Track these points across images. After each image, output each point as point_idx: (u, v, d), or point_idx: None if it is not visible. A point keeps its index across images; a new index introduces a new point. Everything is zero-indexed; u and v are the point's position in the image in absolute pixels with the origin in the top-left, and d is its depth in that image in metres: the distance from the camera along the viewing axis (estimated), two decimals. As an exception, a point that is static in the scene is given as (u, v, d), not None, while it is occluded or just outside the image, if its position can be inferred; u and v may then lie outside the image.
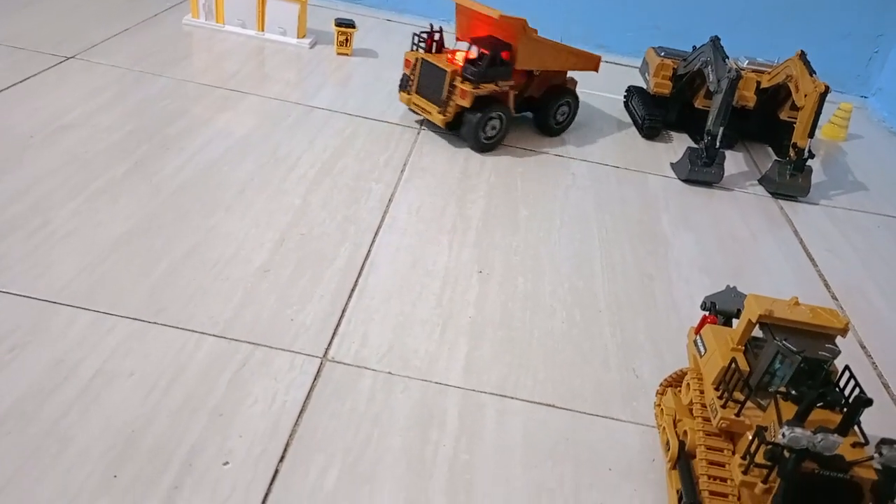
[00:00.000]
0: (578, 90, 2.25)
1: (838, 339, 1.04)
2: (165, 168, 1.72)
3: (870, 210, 2.15)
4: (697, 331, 1.17)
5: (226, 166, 1.77)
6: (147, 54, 2.31)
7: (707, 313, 1.20)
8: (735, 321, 1.22)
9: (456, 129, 2.05)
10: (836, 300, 1.69)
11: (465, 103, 1.95)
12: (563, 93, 2.17)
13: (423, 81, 2.06)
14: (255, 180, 1.74)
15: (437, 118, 2.01)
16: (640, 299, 1.58)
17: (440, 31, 2.06)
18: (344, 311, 1.37)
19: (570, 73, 2.22)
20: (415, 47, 2.08)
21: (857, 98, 3.07)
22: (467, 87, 1.93)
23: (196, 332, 1.25)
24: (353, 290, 1.44)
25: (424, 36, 2.05)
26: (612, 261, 1.70)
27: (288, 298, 1.37)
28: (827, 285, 1.75)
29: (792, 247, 1.90)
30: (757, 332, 1.07)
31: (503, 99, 2.03)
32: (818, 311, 1.03)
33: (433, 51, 2.07)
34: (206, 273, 1.40)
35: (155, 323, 1.25)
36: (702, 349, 1.12)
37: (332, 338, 1.30)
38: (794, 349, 0.98)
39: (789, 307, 1.03)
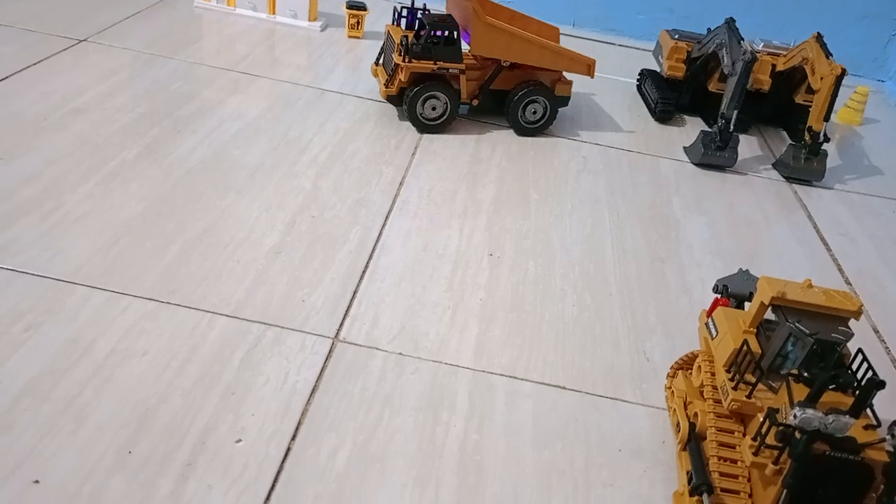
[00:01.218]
0: (581, 88, 2.17)
1: (851, 322, 1.03)
2: (177, 150, 1.72)
3: (885, 195, 2.13)
4: (709, 313, 1.16)
5: (237, 149, 1.78)
6: (159, 37, 2.31)
7: (719, 296, 1.20)
8: (747, 304, 1.21)
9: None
10: (850, 284, 1.68)
11: (402, 77, 1.93)
12: (535, 90, 2.01)
13: (386, 55, 2.07)
14: (266, 163, 1.74)
15: (381, 90, 2.01)
16: (651, 282, 1.57)
17: (423, 8, 2.02)
18: (355, 293, 1.38)
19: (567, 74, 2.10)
20: (395, 22, 2.05)
21: (873, 82, 3.03)
22: (402, 61, 1.91)
23: (209, 312, 1.26)
24: (363, 272, 1.44)
25: (405, 11, 2.02)
26: (623, 244, 1.69)
27: (299, 280, 1.38)
28: (840, 269, 1.73)
29: (806, 231, 1.89)
30: (769, 315, 1.06)
31: (451, 81, 1.97)
32: (831, 294, 1.02)
33: (413, 27, 2.02)
34: (217, 255, 1.41)
35: (168, 303, 1.26)
36: (713, 331, 1.11)
37: (344, 319, 1.31)
38: (807, 331, 0.98)
39: (802, 290, 1.02)
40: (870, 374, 0.98)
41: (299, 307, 1.31)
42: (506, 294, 1.45)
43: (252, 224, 1.52)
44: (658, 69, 2.47)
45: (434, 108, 2.00)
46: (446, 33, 1.92)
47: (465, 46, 1.97)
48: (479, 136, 2.06)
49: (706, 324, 1.15)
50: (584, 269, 1.58)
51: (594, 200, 1.85)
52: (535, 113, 2.06)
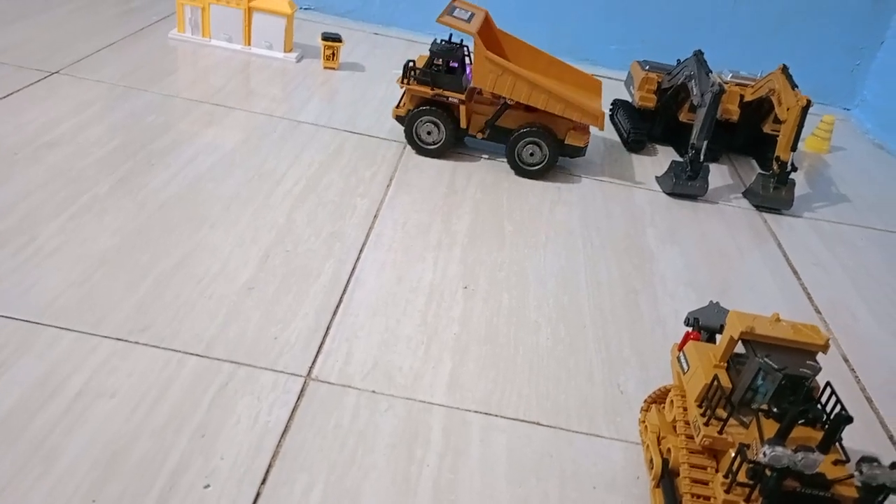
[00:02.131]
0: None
1: (820, 356, 1.04)
2: (151, 184, 1.71)
3: (854, 223, 2.17)
4: (681, 347, 1.17)
5: (211, 182, 1.77)
6: (133, 69, 2.30)
7: (690, 329, 1.21)
8: (718, 337, 1.23)
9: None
10: (820, 314, 1.71)
11: (406, 99, 2.04)
12: (538, 133, 2.01)
13: None
14: (240, 196, 1.73)
15: (393, 110, 2.09)
16: (625, 314, 1.58)
17: (460, 42, 2.07)
18: (328, 328, 1.37)
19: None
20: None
21: (840, 110, 3.11)
22: (403, 83, 1.99)
23: (179, 351, 1.24)
24: (337, 306, 1.43)
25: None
26: (597, 276, 1.70)
27: (272, 316, 1.37)
28: (811, 299, 1.76)
29: (777, 261, 1.91)
30: (740, 348, 1.08)
31: (451, 109, 2.03)
32: (799, 328, 1.04)
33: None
34: (190, 290, 1.39)
35: (138, 343, 1.24)
36: (685, 366, 1.12)
37: (317, 356, 1.30)
38: (776, 366, 0.99)
39: (771, 324, 1.04)
40: (838, 408, 0.99)
41: (272, 344, 1.30)
42: (480, 327, 1.45)
43: (226, 258, 1.51)
44: (630, 99, 2.51)
45: (430, 133, 2.04)
46: (448, 62, 1.97)
47: None
48: (455, 167, 2.08)
49: (678, 358, 1.16)
50: (558, 300, 1.59)
51: (568, 232, 1.87)
52: (532, 155, 2.06)
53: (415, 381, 1.28)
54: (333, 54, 2.58)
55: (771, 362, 0.99)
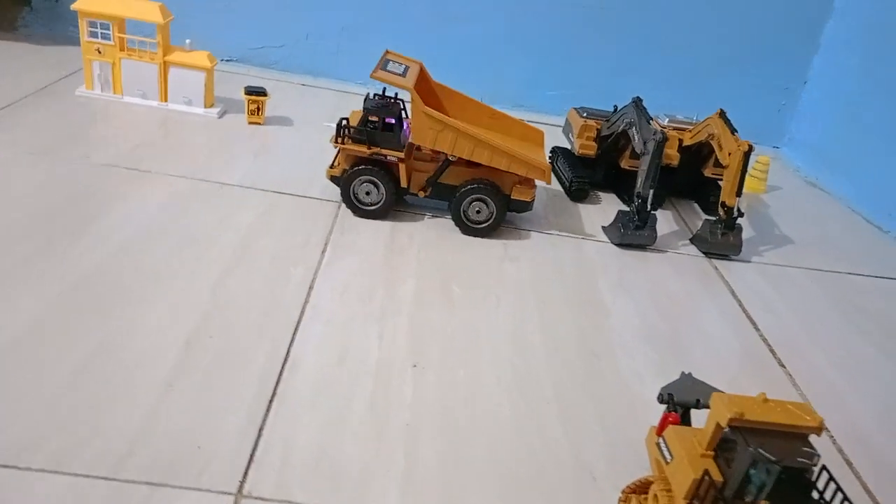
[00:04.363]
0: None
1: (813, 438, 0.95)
2: (55, 267, 1.51)
3: (800, 265, 2.15)
4: (659, 431, 1.06)
5: (125, 259, 1.58)
6: (36, 133, 2.09)
7: (666, 409, 1.10)
8: (695, 412, 1.13)
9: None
10: (784, 367, 1.64)
11: (340, 159, 1.93)
12: (483, 189, 1.91)
13: None
14: (159, 274, 1.55)
15: (326, 170, 1.96)
16: (586, 381, 1.47)
17: (394, 96, 1.98)
18: (261, 428, 1.20)
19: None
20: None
21: (770, 148, 3.16)
22: (338, 143, 1.88)
23: (81, 475, 1.04)
24: (271, 399, 1.27)
25: (375, 97, 1.97)
26: (554, 338, 1.59)
27: (195, 418, 1.19)
28: (772, 351, 1.69)
29: (731, 309, 1.85)
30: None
31: (391, 168, 1.91)
32: (790, 409, 0.94)
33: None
34: (98, 393, 1.20)
35: (29, 469, 1.04)
36: (667, 455, 1.01)
37: (248, 465, 1.12)
38: (772, 458, 0.88)
39: (759, 406, 0.94)
40: (840, 496, 0.89)
41: (195, 456, 1.11)
42: (434, 413, 1.31)
43: (142, 348, 1.32)
44: (569, 146, 2.46)
45: (368, 194, 1.91)
46: (384, 119, 1.85)
47: None
48: (395, 226, 1.95)
49: (657, 444, 1.05)
50: (516, 370, 1.46)
51: (519, 290, 1.76)
52: (478, 213, 1.95)
53: (364, 487, 1.12)
54: (258, 108, 2.44)
55: (765, 453, 0.89)
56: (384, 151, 1.87)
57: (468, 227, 1.97)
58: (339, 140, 1.87)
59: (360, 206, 1.93)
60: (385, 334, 1.50)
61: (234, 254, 1.68)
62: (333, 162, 1.96)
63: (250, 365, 1.34)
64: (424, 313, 1.59)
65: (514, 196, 1.96)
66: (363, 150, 1.87)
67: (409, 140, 1.92)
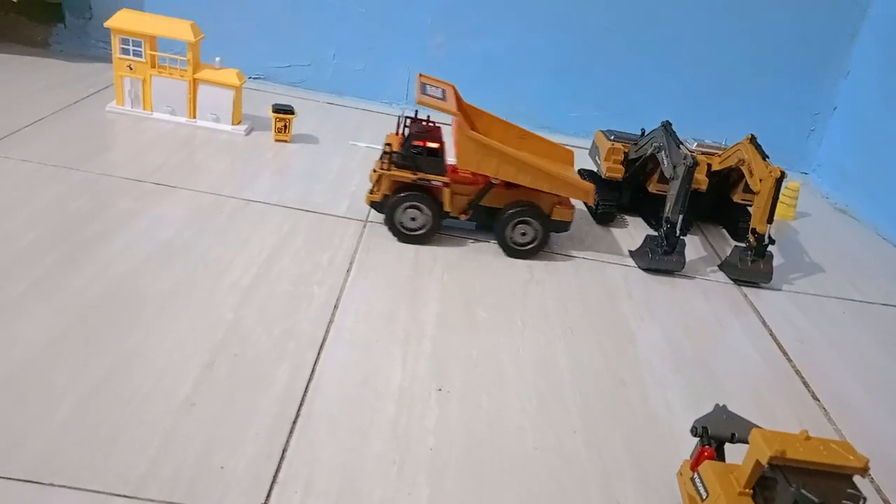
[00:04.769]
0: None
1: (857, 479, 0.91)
2: (74, 282, 1.50)
3: (833, 294, 2.10)
4: (693, 466, 1.03)
5: (146, 276, 1.57)
6: (63, 147, 2.11)
7: (701, 442, 1.06)
8: (729, 447, 1.09)
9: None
10: (819, 401, 1.59)
11: (384, 185, 1.89)
12: (526, 211, 1.91)
13: None
14: (179, 292, 1.54)
15: (367, 196, 1.93)
16: (614, 410, 1.43)
17: (426, 119, 1.97)
18: (284, 450, 1.18)
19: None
20: (398, 132, 1.99)
21: (797, 174, 3.11)
22: (382, 168, 1.86)
23: (102, 493, 1.03)
24: (294, 422, 1.24)
25: (408, 121, 1.96)
26: (580, 365, 1.56)
27: (217, 440, 1.17)
28: (805, 384, 1.65)
29: (762, 338, 1.81)
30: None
31: (433, 192, 1.90)
32: (833, 448, 0.91)
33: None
34: (117, 414, 1.18)
35: (51, 485, 1.03)
36: (703, 491, 0.97)
37: (271, 488, 1.10)
38: (816, 499, 0.85)
39: (801, 444, 0.90)
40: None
41: (217, 476, 1.10)
42: (458, 439, 1.28)
43: (161, 370, 1.31)
44: (595, 169, 2.43)
45: (414, 219, 1.90)
46: (428, 144, 1.85)
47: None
48: (419, 246, 1.93)
49: (692, 479, 1.01)
50: (542, 398, 1.43)
51: (544, 314, 1.73)
52: (524, 235, 1.94)
53: (387, 514, 1.10)
54: (285, 126, 2.44)
55: (809, 493, 0.85)
56: (429, 176, 1.86)
57: (513, 250, 1.95)
58: (384, 166, 1.86)
59: (405, 231, 1.91)
60: (409, 357, 1.48)
61: (258, 271, 1.67)
62: (374, 187, 1.93)
63: (273, 385, 1.32)
64: (448, 336, 1.57)
65: (555, 217, 1.95)
66: (408, 175, 1.86)
67: (453, 164, 1.91)
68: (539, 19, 2.95)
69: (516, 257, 1.96)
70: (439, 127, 1.94)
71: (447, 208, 1.91)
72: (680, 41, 2.98)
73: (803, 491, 0.86)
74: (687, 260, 2.04)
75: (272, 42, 3.00)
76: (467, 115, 2.02)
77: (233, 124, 2.45)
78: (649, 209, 2.32)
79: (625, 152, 2.30)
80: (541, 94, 3.08)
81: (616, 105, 3.05)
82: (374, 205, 1.92)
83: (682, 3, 2.91)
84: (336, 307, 1.60)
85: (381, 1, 2.93)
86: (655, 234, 2.04)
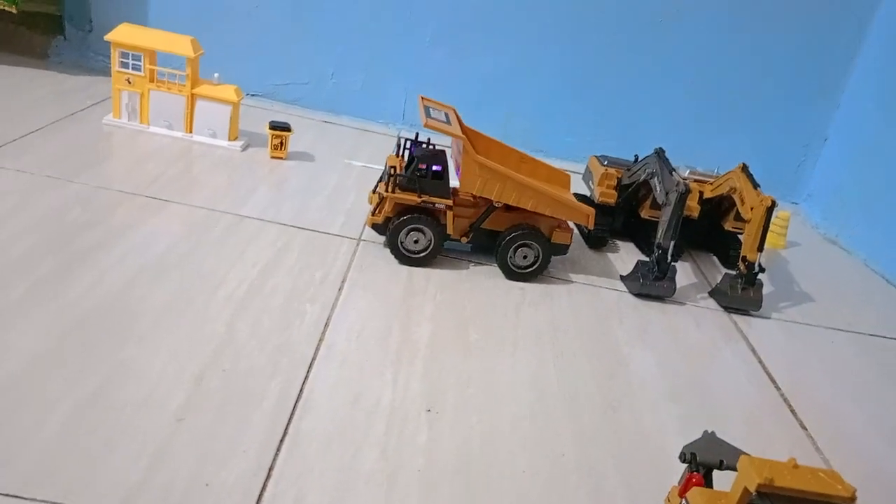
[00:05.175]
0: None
1: None
2: (68, 292, 1.50)
3: (822, 324, 2.12)
4: (681, 493, 1.03)
5: (141, 288, 1.57)
6: (60, 157, 2.11)
7: (689, 469, 1.07)
8: (717, 473, 1.09)
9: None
10: (806, 430, 1.60)
11: (387, 207, 1.89)
12: (527, 234, 1.93)
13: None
14: (173, 304, 1.54)
15: (368, 218, 1.94)
16: (606, 434, 1.44)
17: (426, 141, 1.98)
18: (271, 468, 1.17)
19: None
20: (397, 153, 2.00)
21: (788, 204, 3.15)
22: (385, 191, 1.88)
23: (89, 508, 1.02)
24: (283, 438, 1.24)
25: (408, 143, 1.98)
26: (572, 388, 1.56)
27: (206, 454, 1.16)
28: (793, 411, 1.66)
29: (751, 366, 1.82)
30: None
31: (438, 216, 1.91)
32: (821, 477, 0.91)
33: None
34: (110, 424, 1.18)
35: (35, 500, 1.02)
36: (691, 518, 0.97)
37: (258, 505, 1.09)
38: (803, 528, 0.85)
39: (789, 472, 0.91)
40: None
41: (203, 493, 1.09)
42: (448, 459, 1.28)
43: (154, 381, 1.30)
44: (588, 194, 2.45)
45: (417, 241, 1.91)
46: (433, 167, 1.86)
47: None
48: (412, 267, 1.94)
49: (681, 506, 1.01)
50: (533, 421, 1.43)
51: (537, 337, 1.74)
52: (525, 258, 1.96)
53: (375, 535, 1.09)
54: (282, 143, 2.46)
55: (797, 522, 0.86)
56: (434, 199, 1.87)
57: (513, 273, 1.97)
58: (389, 189, 1.87)
59: (408, 254, 1.92)
60: (400, 377, 1.48)
61: (250, 287, 1.67)
62: (375, 209, 1.93)
63: (262, 403, 1.32)
64: (440, 357, 1.57)
65: (555, 240, 1.97)
66: (413, 198, 1.87)
67: (456, 187, 1.93)
68: (535, 42, 2.99)
69: (516, 280, 1.97)
70: (443, 150, 1.96)
71: (450, 231, 1.93)
72: (676, 70, 3.02)
73: (792, 520, 0.86)
74: (678, 286, 2.06)
75: (271, 60, 3.02)
76: (470, 139, 2.04)
77: (229, 140, 2.46)
78: (641, 235, 2.35)
79: (618, 178, 2.32)
80: (536, 118, 3.11)
81: (611, 131, 3.09)
82: (375, 227, 1.93)
83: (678, 32, 2.96)
84: (327, 325, 1.60)
85: (379, 22, 2.97)
86: (647, 259, 2.05)
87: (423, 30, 2.98)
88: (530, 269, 1.97)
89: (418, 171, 1.87)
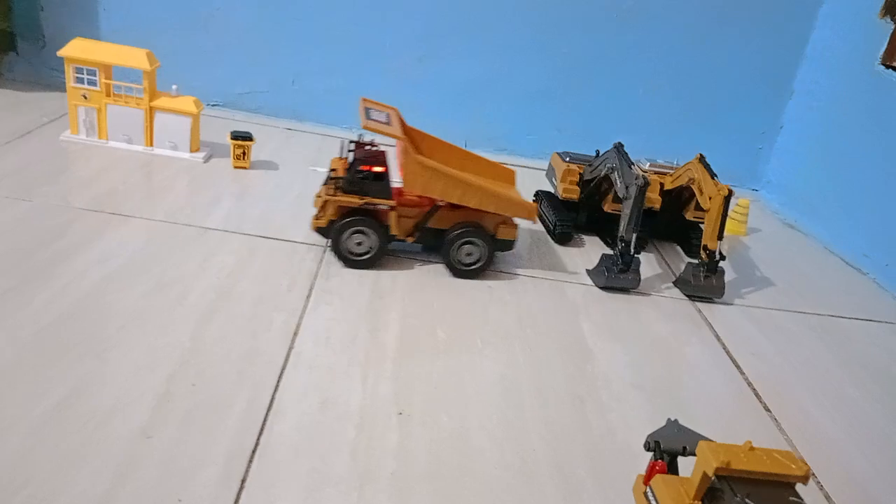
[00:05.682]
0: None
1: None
2: (27, 308, 1.48)
3: (783, 307, 2.17)
4: (646, 480, 1.05)
5: (101, 301, 1.56)
6: (16, 176, 2.08)
7: (654, 457, 1.09)
8: (681, 459, 1.12)
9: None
10: (770, 412, 1.64)
11: (330, 210, 1.88)
12: (472, 232, 1.94)
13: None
14: (135, 317, 1.53)
15: (312, 222, 1.93)
16: (574, 427, 1.46)
17: (370, 142, 1.97)
18: (244, 479, 1.17)
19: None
20: (341, 155, 1.99)
21: (748, 191, 3.21)
22: (328, 194, 1.87)
23: (54, 529, 1.01)
24: (254, 449, 1.24)
25: (352, 146, 1.97)
26: (539, 382, 1.58)
27: (174, 468, 1.16)
28: (758, 396, 1.69)
29: (716, 353, 1.86)
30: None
31: (380, 217, 1.91)
32: (776, 457, 0.94)
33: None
34: (70, 441, 1.17)
35: (0, 523, 1.01)
36: (655, 504, 1.00)
37: (229, 517, 1.09)
38: (760, 508, 0.88)
39: (745, 455, 0.93)
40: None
41: (173, 508, 1.09)
42: (419, 460, 1.29)
43: (117, 395, 1.29)
44: (552, 190, 2.48)
45: (360, 244, 1.90)
46: (374, 168, 1.86)
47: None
48: (378, 270, 1.94)
49: (645, 493, 1.03)
50: (502, 416, 1.45)
51: (504, 333, 1.75)
52: (469, 255, 1.96)
53: (348, 539, 1.10)
54: (244, 153, 2.44)
55: (752, 503, 0.88)
56: (376, 201, 1.87)
57: (459, 270, 1.97)
58: (330, 191, 1.86)
59: (351, 257, 1.91)
60: (368, 380, 1.48)
61: (216, 298, 1.66)
62: (319, 212, 1.92)
63: (232, 413, 1.31)
64: (409, 359, 1.58)
65: (500, 236, 1.98)
66: (355, 200, 1.87)
67: (398, 186, 1.93)
68: (497, 45, 3.01)
69: (462, 278, 1.98)
70: (384, 151, 1.96)
71: (393, 231, 1.92)
72: (632, 67, 3.07)
73: (748, 501, 0.89)
74: (642, 277, 2.09)
75: (230, 69, 3.00)
76: (411, 139, 2.05)
77: (191, 152, 2.44)
78: (605, 228, 2.38)
79: (580, 173, 2.35)
80: (499, 118, 3.13)
81: (573, 127, 3.12)
82: (319, 230, 1.92)
83: (634, 31, 3.00)
84: (296, 333, 1.60)
85: (339, 26, 2.96)
86: (611, 252, 2.08)
87: (384, 35, 2.98)
88: (475, 266, 1.98)
89: (359, 172, 1.86)
